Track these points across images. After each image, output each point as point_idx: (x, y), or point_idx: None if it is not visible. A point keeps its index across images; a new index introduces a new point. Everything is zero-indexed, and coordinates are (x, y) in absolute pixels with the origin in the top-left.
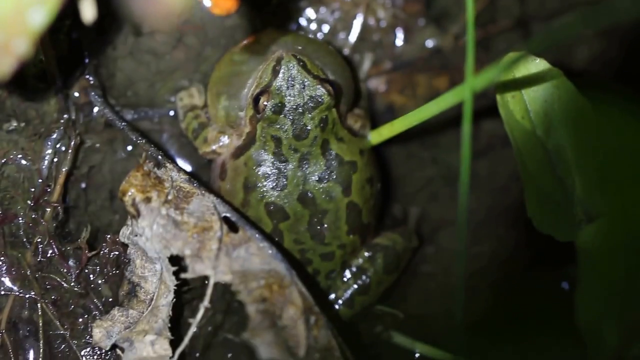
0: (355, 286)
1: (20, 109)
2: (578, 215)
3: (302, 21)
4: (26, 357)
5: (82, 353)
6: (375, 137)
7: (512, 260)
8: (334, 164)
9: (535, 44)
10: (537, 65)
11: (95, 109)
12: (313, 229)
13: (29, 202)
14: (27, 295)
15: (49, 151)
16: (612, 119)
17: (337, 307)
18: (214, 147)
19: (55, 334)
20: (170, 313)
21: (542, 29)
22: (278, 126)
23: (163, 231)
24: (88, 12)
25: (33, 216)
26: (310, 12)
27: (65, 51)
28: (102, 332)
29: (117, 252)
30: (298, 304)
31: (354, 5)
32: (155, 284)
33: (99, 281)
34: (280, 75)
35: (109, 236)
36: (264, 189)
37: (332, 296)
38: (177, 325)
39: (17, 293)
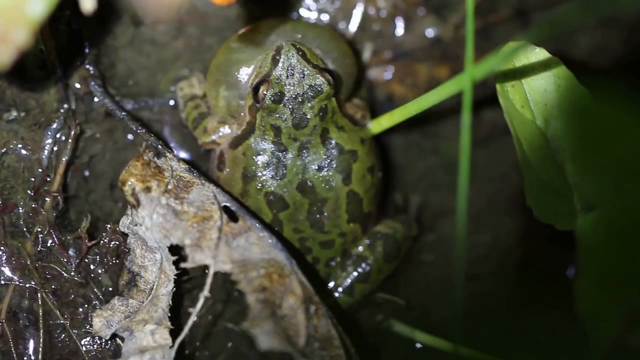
0: (355, 274)
1: (20, 99)
2: (577, 204)
3: (303, 11)
4: (26, 347)
5: (82, 342)
6: (375, 126)
7: (512, 248)
8: (334, 153)
9: (536, 34)
10: (537, 54)
11: (96, 99)
12: (312, 218)
13: (29, 191)
14: (27, 285)
15: (49, 141)
16: (612, 108)
17: (337, 295)
18: (213, 137)
19: (55, 323)
20: (170, 302)
21: (542, 19)
22: (277, 115)
23: (163, 220)
24: (87, 1)
25: (33, 206)
26: (310, 2)
27: (65, 41)
28: (102, 322)
29: (117, 242)
30: (298, 293)
31: None
32: (155, 274)
33: (99, 271)
34: (280, 64)
35: (109, 226)
36: (263, 179)
37: (332, 284)
38: (177, 315)
39: (17, 283)
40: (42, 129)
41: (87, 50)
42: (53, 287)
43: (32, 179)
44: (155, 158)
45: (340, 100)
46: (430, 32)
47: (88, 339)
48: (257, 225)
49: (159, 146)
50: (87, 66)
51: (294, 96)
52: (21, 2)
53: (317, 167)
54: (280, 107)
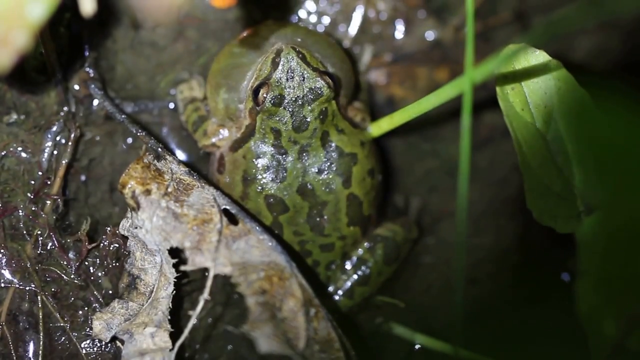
0: (355, 277)
1: (21, 102)
2: (578, 207)
3: (302, 13)
4: (26, 350)
5: (82, 345)
6: (375, 129)
7: (512, 251)
8: (334, 156)
9: (535, 36)
10: (537, 57)
11: (95, 102)
12: (312, 221)
13: (29, 194)
14: (27, 288)
15: (49, 144)
16: (612, 111)
17: (337, 297)
18: (213, 140)
19: (55, 326)
20: (170, 305)
21: (542, 21)
22: (277, 118)
23: (163, 223)
24: (87, 5)
25: (33, 209)
26: (310, 4)
27: (65, 44)
28: (102, 325)
29: (117, 245)
30: (298, 296)
31: None
32: (155, 276)
33: (99, 273)
34: (280, 67)
35: (109, 228)
36: (264, 182)
37: (332, 287)
38: (177, 318)
39: (17, 285)
40: (42, 132)
41: (87, 53)
42: (53, 289)
43: (32, 182)
44: (155, 161)
45: (340, 103)
46: (430, 35)
47: (88, 341)
48: (257, 228)
49: (159, 149)
50: (87, 69)
51: (294, 99)
52: (21, 5)
53: (317, 170)
54: (280, 110)
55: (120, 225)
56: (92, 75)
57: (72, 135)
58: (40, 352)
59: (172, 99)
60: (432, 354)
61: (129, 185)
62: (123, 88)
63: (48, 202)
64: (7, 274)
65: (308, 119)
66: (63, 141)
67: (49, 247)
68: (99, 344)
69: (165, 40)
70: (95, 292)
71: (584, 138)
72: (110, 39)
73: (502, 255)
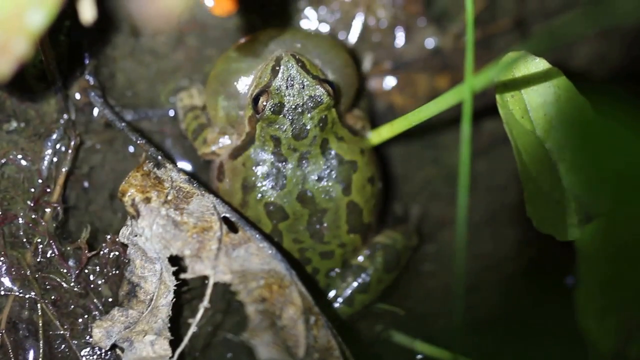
0: (355, 284)
1: (20, 110)
2: (577, 215)
3: (302, 21)
4: (26, 357)
5: (82, 353)
6: (376, 137)
7: (512, 259)
8: (334, 163)
9: (535, 44)
10: (536, 64)
11: (95, 110)
12: (312, 228)
13: (29, 202)
14: (27, 296)
15: (49, 151)
16: (612, 118)
17: (337, 305)
18: (213, 148)
19: (55, 334)
20: (170, 313)
21: (542, 29)
22: (277, 126)
23: (163, 231)
24: (87, 12)
25: (33, 216)
26: (310, 12)
27: (65, 52)
28: (102, 332)
29: (116, 253)
30: (298, 303)
31: (354, 5)
32: (155, 284)
33: (99, 281)
34: (280, 75)
35: (108, 236)
36: (263, 189)
37: (332, 295)
38: (176, 325)
39: (17, 293)
40: (42, 140)
41: (87, 61)
42: (53, 297)
43: (32, 190)
44: (155, 169)
45: (340, 110)
46: (430, 43)
47: (88, 349)
48: (257, 235)
49: (159, 157)
50: (87, 77)
51: (293, 107)
52: (21, 13)
53: (317, 178)
54: (280, 117)
55: (120, 233)
56: (92, 83)
57: (72, 143)
58: (40, 359)
59: (172, 107)
60: None
61: (129, 193)
62: (123, 96)
63: (48, 210)
64: (7, 281)
65: (308, 127)
66: (63, 149)
67: (48, 255)
68: (98, 352)
69: (166, 48)
70: (95, 300)
71: (584, 146)
72: (110, 47)
73: (502, 262)
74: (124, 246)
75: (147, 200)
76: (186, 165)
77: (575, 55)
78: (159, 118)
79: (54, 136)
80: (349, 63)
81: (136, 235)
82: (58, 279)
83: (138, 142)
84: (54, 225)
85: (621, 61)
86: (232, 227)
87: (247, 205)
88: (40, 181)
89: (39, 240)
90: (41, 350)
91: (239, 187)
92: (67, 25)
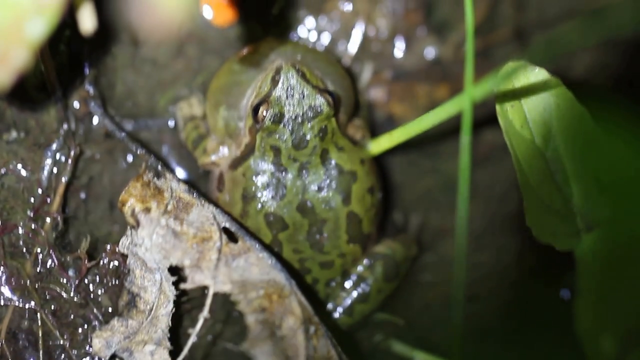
0: (355, 294)
1: (20, 119)
2: (577, 225)
3: (302, 31)
4: None
5: None
6: (375, 146)
7: (511, 269)
8: (334, 173)
9: (535, 54)
10: (536, 74)
11: (95, 119)
12: (312, 238)
13: (28, 212)
14: (26, 306)
15: (49, 161)
16: (611, 128)
17: (336, 315)
18: (213, 158)
19: (55, 344)
20: (170, 323)
21: (542, 38)
22: (277, 136)
23: (162, 241)
24: (87, 22)
25: (33, 226)
26: (310, 22)
27: (65, 62)
28: (101, 343)
29: (116, 263)
30: (297, 313)
31: (354, 15)
32: (155, 294)
33: (99, 291)
34: (280, 85)
35: (108, 246)
36: (263, 199)
37: (332, 305)
38: (176, 335)
39: (17, 303)
40: (42, 150)
41: (87, 71)
42: (53, 307)
43: (32, 200)
44: (155, 179)
45: (340, 120)
46: (430, 52)
47: (87, 359)
48: (257, 246)
49: (159, 167)
50: (87, 87)
51: (293, 117)
52: (21, 23)
53: (316, 188)
54: (280, 127)
55: (120, 243)
56: (92, 93)
57: (72, 153)
58: None
59: (172, 117)
60: None
61: (129, 203)
62: (123, 106)
63: (48, 219)
64: (6, 291)
65: (308, 137)
66: (63, 159)
67: (48, 265)
68: None
69: (166, 58)
70: (94, 310)
71: (583, 155)
72: (110, 57)
73: (501, 272)
74: (124, 256)
75: (147, 210)
76: (186, 175)
77: (574, 65)
78: (158, 128)
79: (54, 146)
80: (346, 78)
81: (136, 245)
82: (58, 289)
83: (138, 151)
84: (54, 235)
85: (621, 71)
86: (232, 237)
87: (247, 216)
88: (40, 191)
89: (39, 250)
90: None
91: (239, 198)
92: (67, 35)
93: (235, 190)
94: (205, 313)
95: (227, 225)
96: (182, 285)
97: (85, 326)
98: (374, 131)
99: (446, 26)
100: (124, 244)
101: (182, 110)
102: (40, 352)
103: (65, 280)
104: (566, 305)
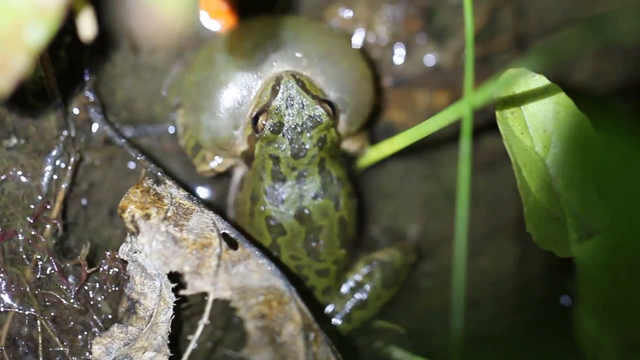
0: (354, 301)
1: (20, 126)
2: (577, 231)
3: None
4: None
5: None
6: (375, 153)
7: (511, 275)
8: (327, 181)
9: (535, 61)
10: (536, 81)
11: (95, 126)
12: (309, 246)
13: (28, 218)
14: (26, 312)
15: (49, 168)
16: (611, 135)
17: (335, 322)
18: (212, 166)
19: (54, 350)
20: (170, 329)
21: (541, 46)
22: (276, 145)
23: (162, 248)
24: (87, 29)
25: (33, 233)
26: None
27: (64, 68)
28: (101, 349)
29: (116, 269)
30: (297, 320)
31: (354, 22)
32: (155, 301)
33: (99, 298)
34: (279, 94)
35: (108, 253)
36: (265, 202)
37: (331, 311)
38: (176, 342)
39: (17, 310)
40: (42, 156)
41: (86, 78)
42: (52, 314)
43: (32, 206)
44: (155, 185)
45: (338, 129)
46: (430, 59)
47: None
48: (257, 252)
49: (159, 173)
50: (87, 93)
51: (293, 126)
52: (21, 29)
53: (314, 196)
54: (279, 137)
55: (120, 250)
56: (91, 99)
57: (72, 160)
58: None
59: (171, 123)
60: None
61: (129, 210)
62: (123, 112)
63: (48, 226)
64: (6, 298)
65: (307, 146)
66: (63, 165)
67: (48, 272)
68: None
69: (165, 65)
70: (94, 317)
71: (583, 162)
72: (109, 63)
73: (501, 279)
74: (124, 263)
75: (147, 216)
76: (186, 182)
77: (574, 72)
78: (158, 134)
79: (54, 152)
80: (365, 77)
81: (136, 252)
82: (58, 296)
83: (138, 158)
84: (54, 241)
85: (621, 78)
86: (232, 244)
87: (253, 215)
88: (40, 197)
89: (39, 256)
90: None
91: (248, 197)
92: (67, 41)
93: (248, 190)
94: (205, 319)
95: (227, 231)
96: (182, 292)
97: (85, 333)
98: (373, 138)
99: (446, 33)
100: (123, 251)
101: (182, 116)
102: (40, 359)
103: (65, 287)
104: (566, 312)
